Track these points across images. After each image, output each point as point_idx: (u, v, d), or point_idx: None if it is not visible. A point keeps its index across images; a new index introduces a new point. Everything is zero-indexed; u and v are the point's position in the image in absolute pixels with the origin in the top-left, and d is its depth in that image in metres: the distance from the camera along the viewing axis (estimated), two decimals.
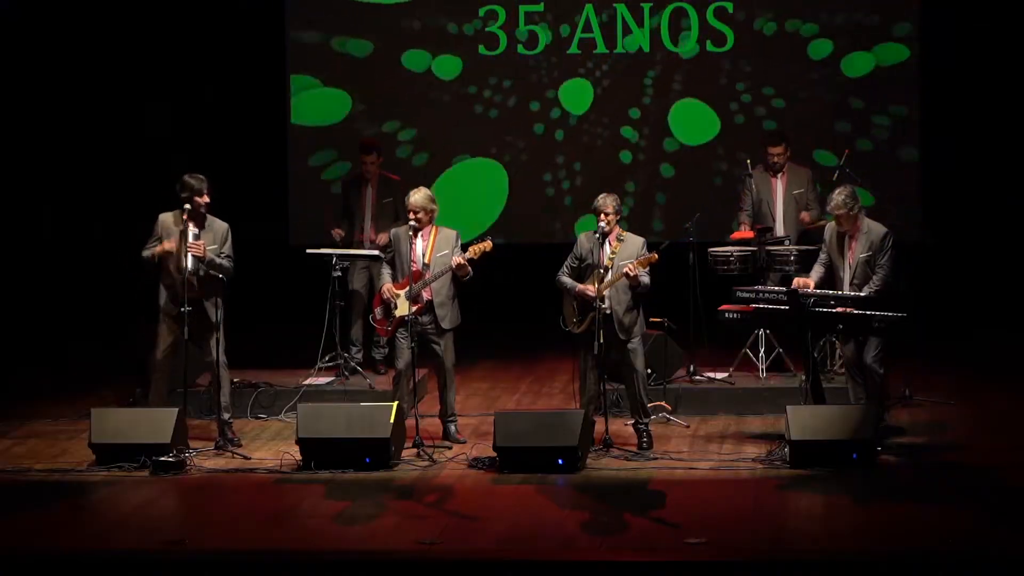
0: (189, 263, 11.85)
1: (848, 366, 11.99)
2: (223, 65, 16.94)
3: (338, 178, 16.31)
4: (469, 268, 11.85)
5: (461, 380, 13.11)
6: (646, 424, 11.87)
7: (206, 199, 11.93)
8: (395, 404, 11.50)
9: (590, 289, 11.63)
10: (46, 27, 16.81)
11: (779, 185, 13.61)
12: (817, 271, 11.90)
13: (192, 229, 11.87)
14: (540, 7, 16.67)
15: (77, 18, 16.85)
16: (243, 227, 12.74)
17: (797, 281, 11.79)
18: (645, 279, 11.63)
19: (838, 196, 11.68)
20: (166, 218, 12.04)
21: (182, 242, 11.88)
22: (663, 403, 12.66)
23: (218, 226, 12.04)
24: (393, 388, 12.19)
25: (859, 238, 11.71)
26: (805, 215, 13.54)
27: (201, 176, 11.97)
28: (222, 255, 11.96)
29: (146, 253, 12.00)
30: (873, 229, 11.73)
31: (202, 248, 11.81)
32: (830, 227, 11.89)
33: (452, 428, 12.15)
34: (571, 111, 16.74)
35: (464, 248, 11.97)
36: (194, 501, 10.83)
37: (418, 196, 11.95)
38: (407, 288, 11.86)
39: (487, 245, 11.93)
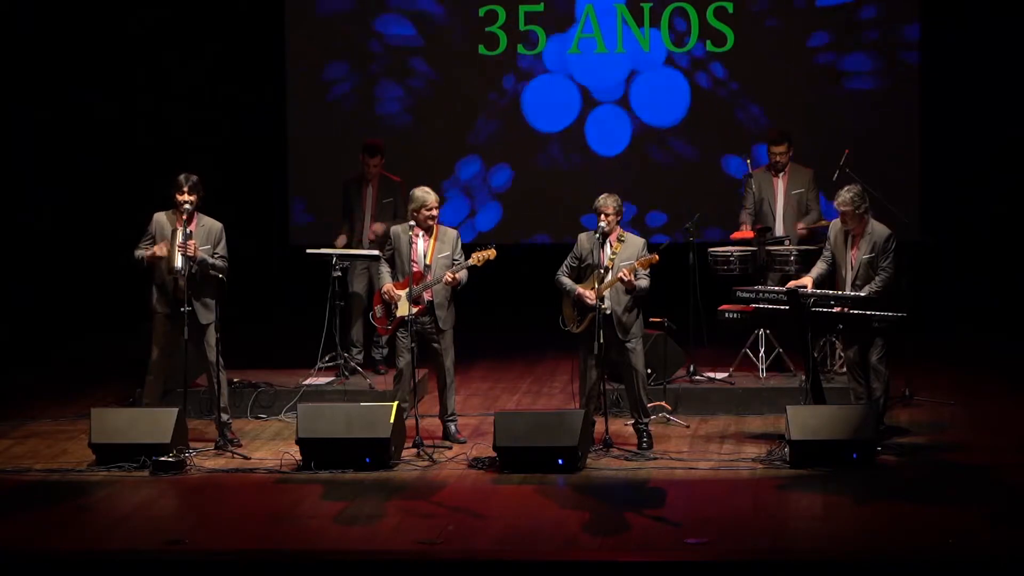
0: (179, 263, 11.82)
1: (850, 366, 11.99)
2: (223, 65, 16.97)
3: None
4: (462, 280, 11.83)
5: (461, 380, 13.11)
6: (646, 424, 11.87)
7: (187, 196, 11.77)
8: (395, 404, 11.50)
9: (588, 294, 11.62)
10: (52, 30, 16.87)
11: (780, 185, 13.61)
12: (819, 268, 11.89)
13: (183, 229, 11.80)
14: (540, 7, 16.69)
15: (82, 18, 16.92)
16: (244, 227, 12.76)
17: (793, 283, 11.80)
18: (644, 281, 11.61)
19: (846, 194, 11.67)
20: (160, 217, 12.01)
21: (173, 242, 11.87)
22: (663, 403, 12.66)
23: (211, 225, 11.99)
24: (393, 388, 12.19)
25: (863, 239, 11.70)
26: (800, 225, 13.45)
27: (190, 175, 11.89)
28: (216, 255, 11.93)
29: (138, 253, 11.95)
30: (877, 231, 11.72)
31: (193, 248, 11.78)
32: (835, 225, 11.88)
33: (452, 428, 12.15)
34: (572, 110, 16.77)
35: (467, 253, 11.95)
36: (194, 501, 10.83)
37: (435, 194, 11.93)
38: (408, 289, 11.85)
39: (491, 253, 11.91)
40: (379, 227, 13.54)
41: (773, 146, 13.68)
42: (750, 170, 13.64)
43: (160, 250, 11.85)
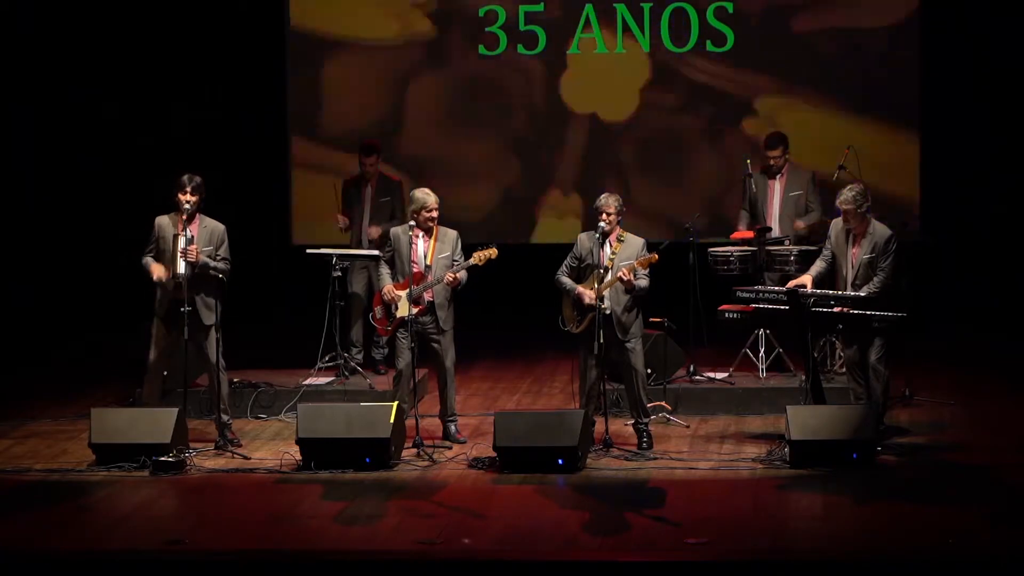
0: (181, 267, 11.81)
1: (850, 366, 11.99)
2: (224, 64, 16.97)
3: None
4: (463, 280, 11.83)
5: (461, 380, 13.11)
6: (646, 424, 11.87)
7: (189, 196, 11.78)
8: (395, 404, 11.50)
9: (588, 294, 11.61)
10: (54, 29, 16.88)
11: (776, 187, 13.59)
12: (818, 266, 11.89)
13: (185, 234, 11.79)
14: (540, 7, 16.68)
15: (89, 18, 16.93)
16: (244, 226, 12.74)
17: (792, 282, 11.80)
18: (643, 281, 11.61)
19: (848, 192, 11.67)
20: (162, 221, 12.01)
21: (175, 247, 11.86)
22: (663, 403, 12.66)
23: (214, 227, 11.99)
24: (393, 388, 12.19)
25: (864, 238, 11.70)
26: (799, 223, 13.46)
27: (194, 175, 11.89)
28: (218, 257, 11.92)
29: (145, 261, 11.99)
30: (878, 231, 11.71)
31: (194, 253, 11.78)
32: (836, 224, 11.87)
33: (452, 428, 12.15)
34: (573, 111, 16.77)
35: (467, 253, 11.94)
36: (194, 501, 10.83)
37: (434, 195, 11.93)
38: (408, 290, 11.84)
39: (492, 252, 11.90)
40: (375, 231, 13.53)
41: (767, 150, 13.67)
42: (750, 169, 13.64)
43: (158, 271, 11.85)
